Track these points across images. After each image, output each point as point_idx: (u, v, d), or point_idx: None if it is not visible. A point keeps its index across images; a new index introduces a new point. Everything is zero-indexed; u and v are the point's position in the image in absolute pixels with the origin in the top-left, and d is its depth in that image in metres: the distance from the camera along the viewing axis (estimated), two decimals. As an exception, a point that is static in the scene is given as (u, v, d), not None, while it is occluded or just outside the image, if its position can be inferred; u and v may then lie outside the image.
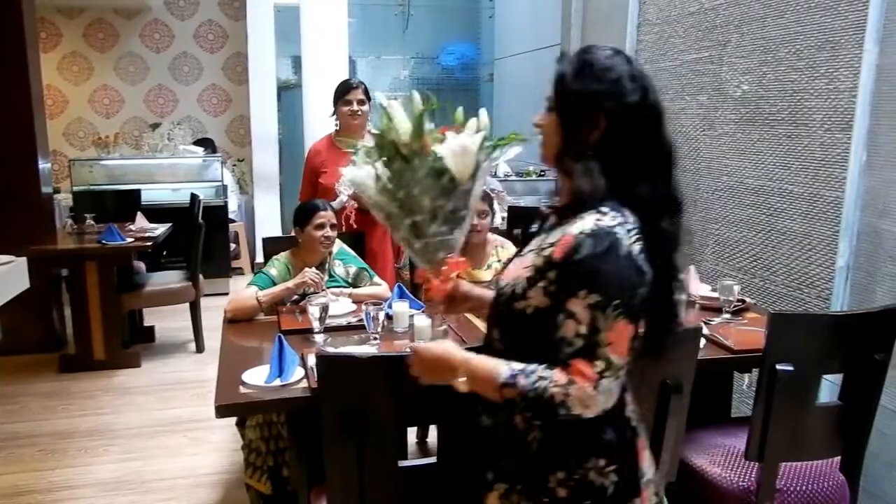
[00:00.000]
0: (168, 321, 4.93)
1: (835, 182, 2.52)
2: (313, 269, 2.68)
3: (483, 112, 1.45)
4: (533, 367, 1.18)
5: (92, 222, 4.56)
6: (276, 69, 6.76)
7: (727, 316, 2.42)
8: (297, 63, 6.78)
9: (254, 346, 2.30)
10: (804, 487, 1.93)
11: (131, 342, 4.48)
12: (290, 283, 2.63)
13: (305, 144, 5.77)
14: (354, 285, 2.85)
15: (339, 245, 2.90)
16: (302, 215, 2.79)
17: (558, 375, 1.15)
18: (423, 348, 1.34)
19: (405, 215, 1.40)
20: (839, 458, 2.00)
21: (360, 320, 2.26)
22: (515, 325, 1.27)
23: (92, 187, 5.85)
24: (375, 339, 2.18)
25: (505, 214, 4.19)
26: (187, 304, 4.49)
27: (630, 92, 1.22)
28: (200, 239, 4.48)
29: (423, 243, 1.42)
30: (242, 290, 2.70)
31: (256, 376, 1.93)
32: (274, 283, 2.68)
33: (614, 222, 1.18)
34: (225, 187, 6.17)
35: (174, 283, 4.52)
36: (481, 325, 2.12)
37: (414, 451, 3.07)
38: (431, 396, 1.37)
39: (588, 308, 1.14)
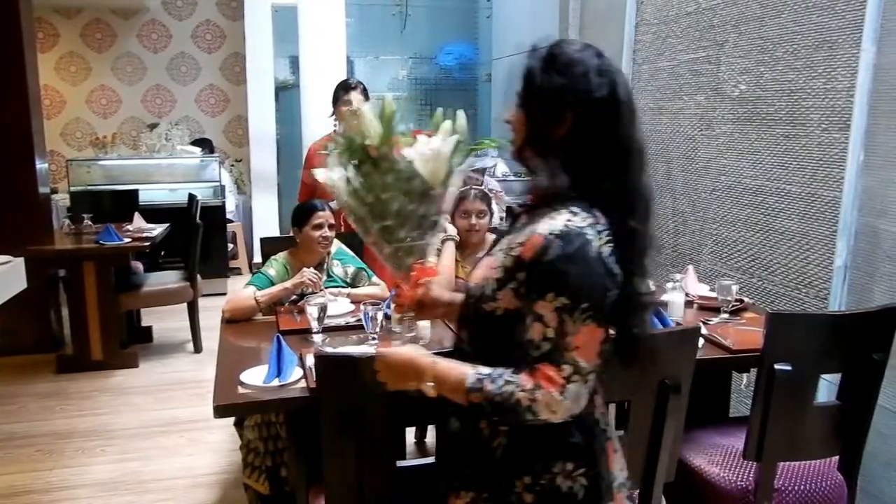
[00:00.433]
0: (166, 321, 4.93)
1: (832, 182, 2.53)
2: (311, 269, 2.68)
3: (461, 114, 1.42)
4: (500, 371, 1.15)
5: (89, 222, 4.54)
6: (274, 69, 6.76)
7: (725, 316, 2.42)
8: (294, 63, 6.78)
9: (252, 347, 2.30)
10: (802, 487, 1.93)
11: (129, 342, 4.48)
12: (288, 284, 2.63)
13: (303, 144, 5.78)
14: (353, 285, 2.85)
15: (337, 245, 2.90)
16: (300, 215, 2.79)
17: (524, 380, 1.12)
18: (389, 353, 1.30)
19: (375, 219, 1.37)
20: (837, 457, 2.00)
21: (359, 320, 2.26)
22: (485, 328, 1.24)
23: (89, 187, 5.84)
24: (374, 338, 2.18)
25: (503, 214, 4.19)
26: (185, 305, 4.48)
27: (597, 87, 1.18)
28: (198, 239, 4.47)
29: (394, 248, 1.39)
30: (240, 291, 2.70)
31: (255, 376, 1.92)
32: (272, 284, 2.68)
33: (585, 223, 1.15)
34: (223, 187, 6.17)
35: (172, 283, 4.51)
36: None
37: (412, 451, 3.07)
38: (431, 396, 1.36)
39: (556, 311, 1.12)
